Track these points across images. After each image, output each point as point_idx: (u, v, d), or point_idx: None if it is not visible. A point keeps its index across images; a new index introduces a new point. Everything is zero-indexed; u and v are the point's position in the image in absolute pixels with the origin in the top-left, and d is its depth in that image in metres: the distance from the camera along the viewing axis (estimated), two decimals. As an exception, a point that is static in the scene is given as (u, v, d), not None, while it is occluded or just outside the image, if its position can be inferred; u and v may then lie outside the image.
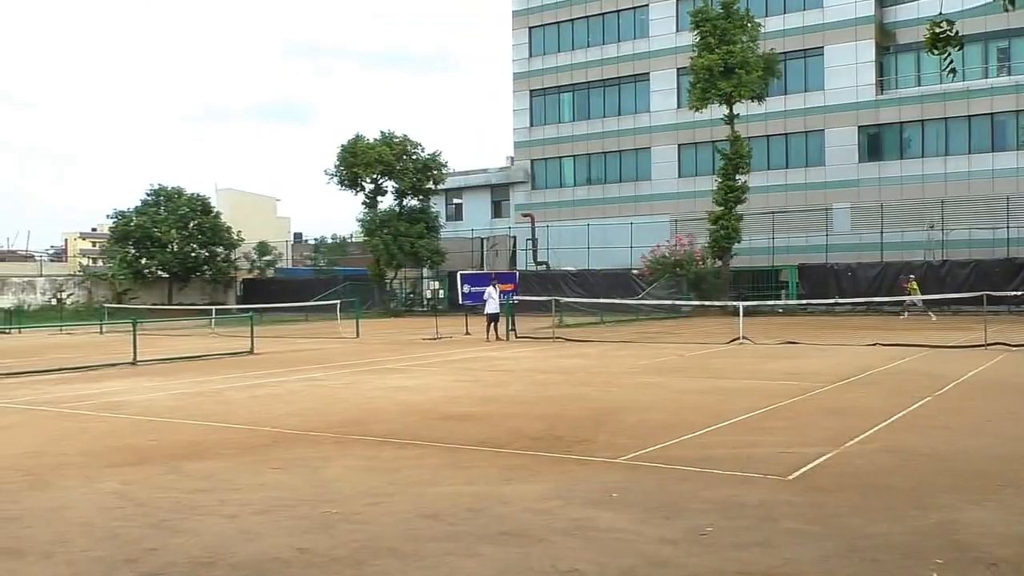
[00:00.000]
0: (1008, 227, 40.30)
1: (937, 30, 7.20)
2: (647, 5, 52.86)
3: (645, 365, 17.10)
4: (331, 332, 29.19)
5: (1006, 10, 8.26)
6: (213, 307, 40.13)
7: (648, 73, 53.06)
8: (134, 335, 19.82)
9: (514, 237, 55.05)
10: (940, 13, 8.37)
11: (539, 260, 51.05)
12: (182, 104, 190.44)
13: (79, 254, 76.53)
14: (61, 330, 34.65)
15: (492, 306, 25.93)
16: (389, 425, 10.04)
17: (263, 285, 54.00)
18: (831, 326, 29.23)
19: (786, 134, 48.62)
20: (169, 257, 48.83)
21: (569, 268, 47.82)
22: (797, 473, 7.22)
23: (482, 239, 54.94)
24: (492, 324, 25.48)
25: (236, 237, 51.96)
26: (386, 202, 49.32)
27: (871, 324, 29.26)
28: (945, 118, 44.64)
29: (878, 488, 6.67)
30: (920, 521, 5.78)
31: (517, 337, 25.33)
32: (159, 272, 49.55)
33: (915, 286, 32.63)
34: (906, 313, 33.34)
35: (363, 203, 49.05)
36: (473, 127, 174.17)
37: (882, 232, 42.63)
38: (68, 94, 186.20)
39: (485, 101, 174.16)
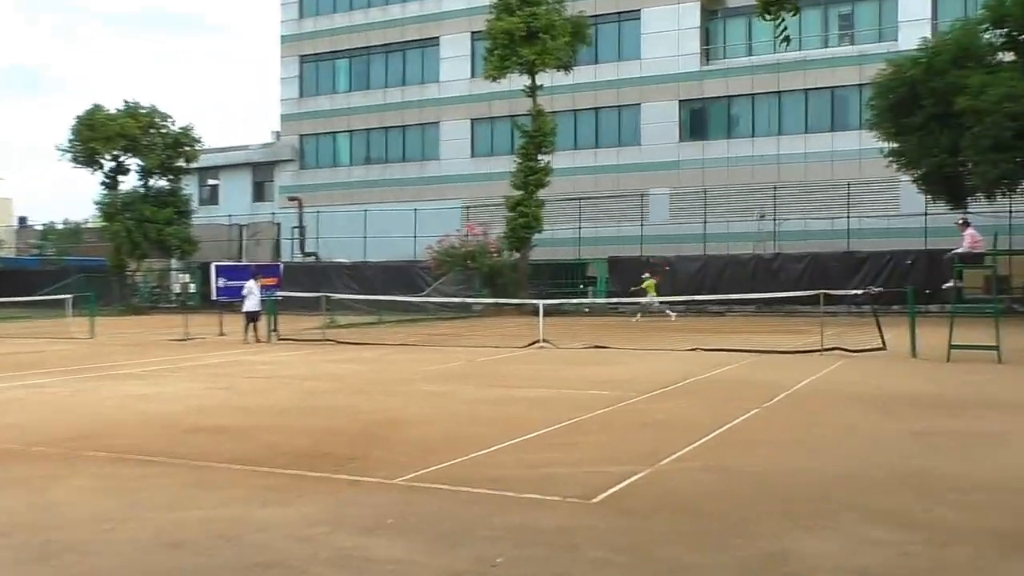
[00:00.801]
0: (848, 217, 40.74)
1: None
2: (437, -41, 51.95)
3: (429, 372, 17.24)
4: (61, 332, 28.60)
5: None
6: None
7: (438, 37, 53.53)
8: None
9: (278, 224, 54.71)
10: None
11: (307, 251, 50.98)
12: None
13: None
14: None
15: (252, 303, 26.00)
16: (128, 439, 10.03)
17: (-21, 277, 50.59)
18: (645, 328, 30.05)
19: (596, 108, 49.63)
20: None
21: (343, 260, 48.04)
22: (604, 495, 7.26)
23: (241, 226, 54.24)
24: (252, 324, 25.67)
25: None
26: (129, 182, 48.77)
27: (692, 326, 30.19)
28: (779, 92, 45.74)
29: (698, 512, 6.74)
30: (745, 551, 5.81)
31: (280, 339, 25.55)
32: None
33: (651, 284, 34.37)
34: (639, 316, 34.73)
35: (102, 183, 48.13)
36: (235, 98, 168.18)
37: (705, 222, 43.31)
38: None
39: (249, 68, 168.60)
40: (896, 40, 42.32)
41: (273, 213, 55.32)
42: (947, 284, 21.00)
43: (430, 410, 12.17)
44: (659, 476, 7.98)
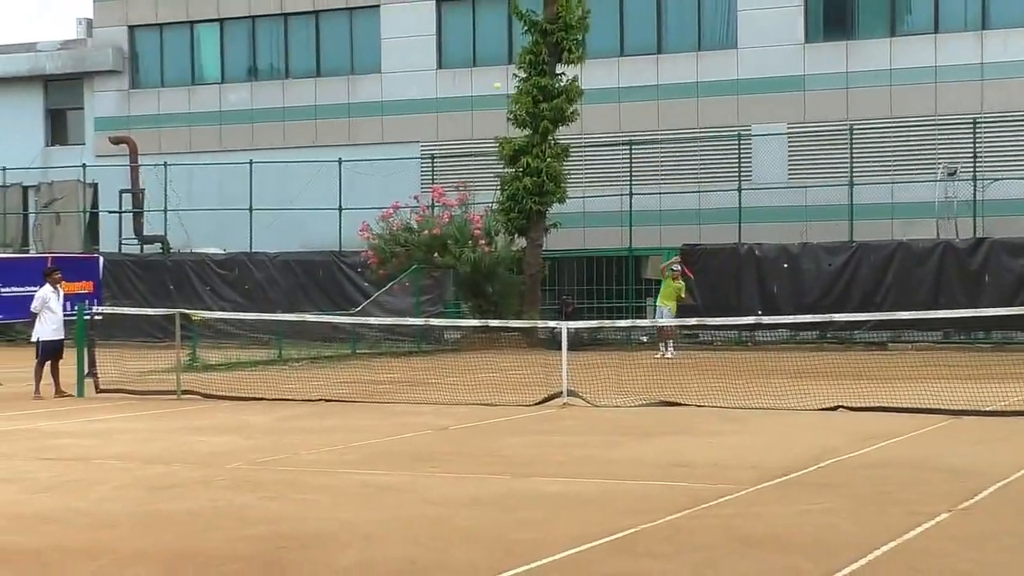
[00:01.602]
0: None
1: None
2: None
3: (370, 449, 15.38)
4: None
5: None
6: None
7: None
8: None
9: (94, 185, 48.13)
10: None
11: (148, 234, 44.96)
12: None
13: None
14: None
15: (48, 326, 23.15)
16: None
17: None
18: (749, 368, 27.06)
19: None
20: None
21: (214, 251, 42.69)
22: None
23: (25, 188, 48.19)
24: (50, 362, 23.18)
25: None
26: None
27: (831, 365, 26.59)
28: None
29: None
30: None
31: (101, 390, 23.14)
32: None
33: (673, 287, 30.13)
34: (668, 346, 30.85)
35: None
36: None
37: (851, 183, 35.65)
38: None
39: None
40: None
41: (84, 165, 47.43)
42: None
43: (374, 518, 10.61)
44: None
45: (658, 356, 32.46)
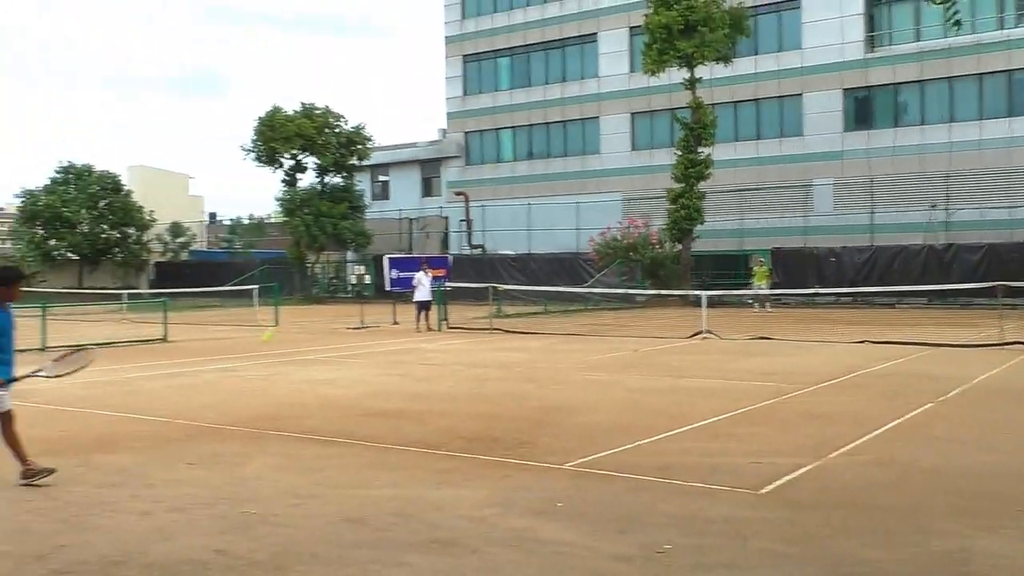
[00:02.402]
0: (1028, 206, 36.80)
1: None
2: (593, -44, 51.13)
3: (594, 361, 17.17)
4: (248, 319, 29.60)
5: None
6: (125, 291, 41.03)
7: (596, 33, 52.77)
8: (43, 321, 20.85)
9: (446, 218, 55.35)
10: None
11: (474, 243, 51.38)
12: (90, 76, 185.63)
13: (-16, 235, 76.18)
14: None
15: (422, 293, 26.54)
16: (311, 421, 10.44)
17: (176, 268, 56.95)
18: (810, 319, 29.23)
19: (757, 100, 48.21)
20: (79, 239, 51.28)
21: (508, 252, 48.22)
22: (771, 487, 7.11)
23: (411, 220, 55.18)
24: (423, 313, 26.21)
25: (148, 217, 54.47)
26: (307, 179, 50.21)
27: (859, 318, 29.24)
28: (950, 78, 43.25)
29: (869, 507, 6.49)
30: (922, 548, 5.58)
31: (450, 327, 25.93)
32: (69, 254, 51.93)
33: (761, 273, 34.80)
34: (766, 305, 34.82)
35: (282, 181, 50.01)
36: (402, 98, 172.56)
37: (872, 212, 41.84)
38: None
39: (416, 69, 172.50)
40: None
41: (441, 207, 56.13)
42: None
43: (596, 398, 12.11)
44: (828, 469, 7.76)
45: (756, 310, 34.29)
